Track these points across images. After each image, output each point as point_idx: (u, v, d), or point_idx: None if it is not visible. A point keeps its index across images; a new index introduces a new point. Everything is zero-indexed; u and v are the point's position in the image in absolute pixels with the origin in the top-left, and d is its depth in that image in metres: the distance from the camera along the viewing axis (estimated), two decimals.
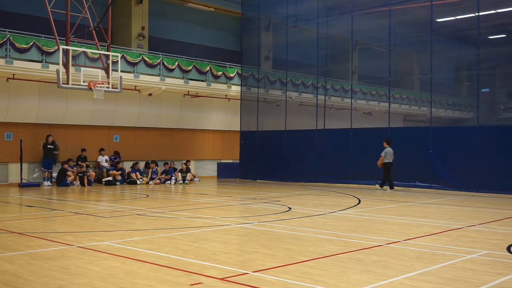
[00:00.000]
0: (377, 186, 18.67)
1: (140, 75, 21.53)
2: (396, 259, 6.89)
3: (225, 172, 25.30)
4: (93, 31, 17.21)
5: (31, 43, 18.41)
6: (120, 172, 20.91)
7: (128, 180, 21.04)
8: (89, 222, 10.34)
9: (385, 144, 18.35)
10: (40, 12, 19.24)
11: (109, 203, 14.41)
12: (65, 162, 19.82)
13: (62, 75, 15.78)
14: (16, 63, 18.11)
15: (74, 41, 18.18)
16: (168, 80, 22.46)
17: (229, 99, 25.68)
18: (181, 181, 21.34)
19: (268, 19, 24.93)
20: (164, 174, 21.56)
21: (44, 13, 17.08)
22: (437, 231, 9.28)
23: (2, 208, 12.96)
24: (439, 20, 20.73)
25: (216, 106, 25.87)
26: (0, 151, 19.32)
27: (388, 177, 18.16)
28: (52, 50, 18.69)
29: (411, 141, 18.94)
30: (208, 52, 27.61)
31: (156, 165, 21.75)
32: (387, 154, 18.08)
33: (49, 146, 19.72)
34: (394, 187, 18.13)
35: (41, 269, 6.22)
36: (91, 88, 16.51)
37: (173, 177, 21.30)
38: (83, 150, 20.98)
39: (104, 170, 21.05)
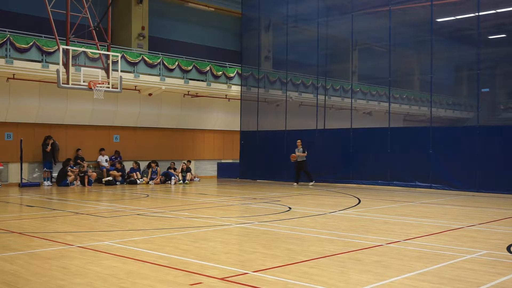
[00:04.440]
0: (310, 185, 20.35)
1: (140, 75, 21.53)
2: (396, 259, 6.89)
3: (225, 172, 25.29)
4: (93, 31, 17.21)
5: (31, 43, 18.41)
6: (120, 173, 20.92)
7: (128, 180, 21.05)
8: (89, 222, 10.34)
9: (299, 144, 20.71)
10: (40, 12, 19.25)
11: (109, 203, 14.42)
12: (66, 163, 19.83)
13: (62, 75, 15.78)
14: (16, 63, 18.12)
15: (74, 41, 18.18)
16: (168, 80, 22.47)
17: (229, 99, 25.68)
18: (181, 181, 21.35)
19: (268, 19, 24.92)
20: (163, 176, 21.57)
21: (44, 13, 17.08)
22: (437, 231, 9.28)
23: (2, 208, 12.96)
24: (439, 20, 20.71)
25: (216, 106, 25.88)
26: (0, 151, 19.31)
27: (298, 174, 20.72)
28: (52, 50, 18.70)
29: (411, 141, 18.94)
30: (208, 52, 27.60)
31: (157, 165, 21.75)
32: (300, 152, 20.66)
33: (47, 150, 19.69)
34: (298, 183, 20.69)
35: (41, 269, 6.22)
36: (91, 88, 16.51)
37: (173, 178, 21.29)
38: (78, 150, 20.99)
39: (104, 170, 21.06)
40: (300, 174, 20.72)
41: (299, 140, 20.83)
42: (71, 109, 20.71)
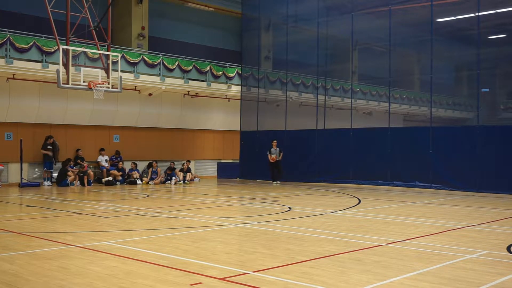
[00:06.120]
0: (277, 183, 21.27)
1: (140, 75, 21.53)
2: (396, 259, 6.89)
3: (225, 172, 25.29)
4: (93, 31, 17.20)
5: (31, 43, 18.41)
6: (120, 172, 20.93)
7: (128, 180, 21.05)
8: (89, 222, 10.34)
9: (274, 145, 21.46)
10: (40, 12, 19.25)
11: (109, 203, 14.42)
12: (65, 162, 19.82)
13: (62, 75, 15.77)
14: (16, 63, 18.12)
15: (74, 41, 18.17)
16: (168, 80, 22.47)
17: (229, 99, 25.68)
18: (181, 181, 21.35)
19: (268, 19, 24.92)
20: (164, 175, 21.57)
21: (44, 13, 17.08)
22: (437, 231, 9.28)
23: (2, 208, 12.96)
24: (439, 20, 20.70)
25: (216, 106, 25.88)
26: (0, 151, 19.31)
27: (273, 172, 21.63)
28: (52, 50, 18.70)
29: (411, 141, 18.95)
30: (208, 52, 27.61)
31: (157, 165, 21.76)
32: (276, 153, 21.49)
33: (48, 148, 19.69)
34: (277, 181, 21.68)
35: (41, 269, 6.22)
36: (91, 88, 16.50)
37: (173, 178, 21.30)
38: (78, 150, 20.98)
39: (104, 170, 21.05)
40: (275, 172, 21.56)
41: (274, 141, 21.43)
42: (71, 109, 20.71)
